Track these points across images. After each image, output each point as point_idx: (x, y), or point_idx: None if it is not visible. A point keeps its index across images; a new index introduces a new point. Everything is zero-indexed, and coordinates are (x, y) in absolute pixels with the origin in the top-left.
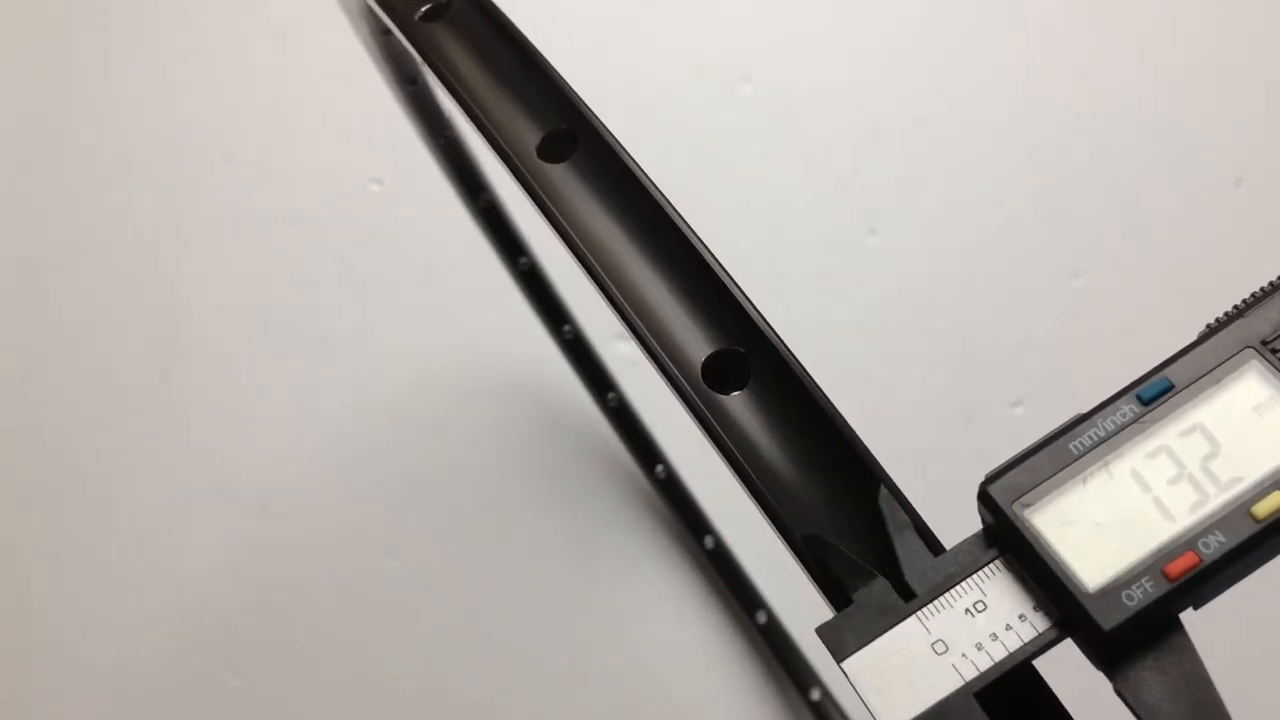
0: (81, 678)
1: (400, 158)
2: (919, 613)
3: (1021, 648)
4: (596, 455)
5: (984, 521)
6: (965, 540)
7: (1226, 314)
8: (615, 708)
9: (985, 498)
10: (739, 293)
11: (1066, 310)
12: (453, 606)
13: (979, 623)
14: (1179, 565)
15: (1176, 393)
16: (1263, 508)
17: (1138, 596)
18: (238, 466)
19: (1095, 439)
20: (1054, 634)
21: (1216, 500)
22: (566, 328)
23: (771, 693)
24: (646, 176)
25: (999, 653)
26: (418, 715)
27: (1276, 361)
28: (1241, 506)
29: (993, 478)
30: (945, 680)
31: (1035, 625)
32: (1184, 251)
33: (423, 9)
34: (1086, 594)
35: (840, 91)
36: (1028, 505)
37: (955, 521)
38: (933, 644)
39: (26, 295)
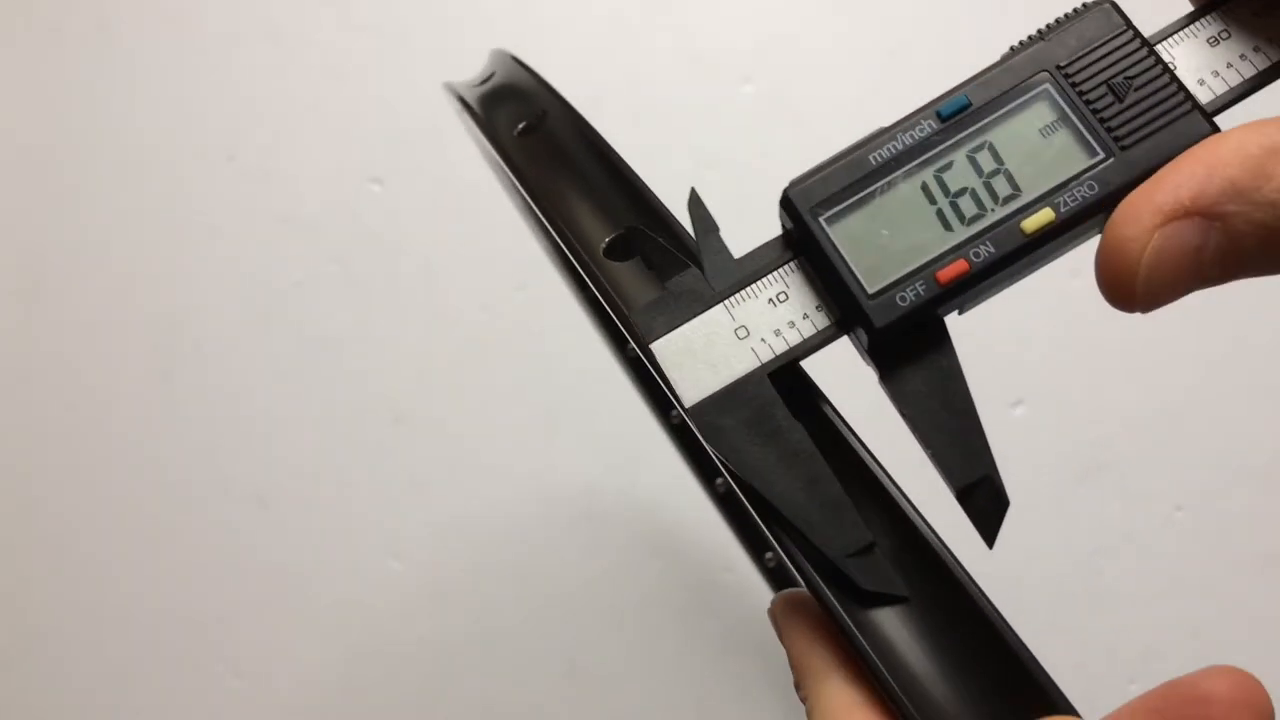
0: (81, 677)
1: (400, 158)
2: (726, 301)
3: (809, 338)
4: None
5: (783, 226)
6: (765, 244)
7: (1030, 37)
8: (613, 710)
9: (786, 203)
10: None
11: (1066, 310)
12: (453, 607)
13: (779, 312)
14: (950, 271)
15: (972, 111)
16: (1031, 223)
17: (909, 298)
18: (238, 466)
19: (893, 152)
20: (833, 330)
21: (993, 215)
22: (769, 555)
23: None
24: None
25: (794, 338)
26: (418, 715)
27: (1068, 86)
28: (1014, 221)
29: (795, 183)
30: (743, 361)
31: (817, 322)
32: None
33: (520, 126)
34: (865, 294)
35: (840, 91)
36: (823, 212)
37: (957, 521)
38: (735, 329)
39: (26, 295)
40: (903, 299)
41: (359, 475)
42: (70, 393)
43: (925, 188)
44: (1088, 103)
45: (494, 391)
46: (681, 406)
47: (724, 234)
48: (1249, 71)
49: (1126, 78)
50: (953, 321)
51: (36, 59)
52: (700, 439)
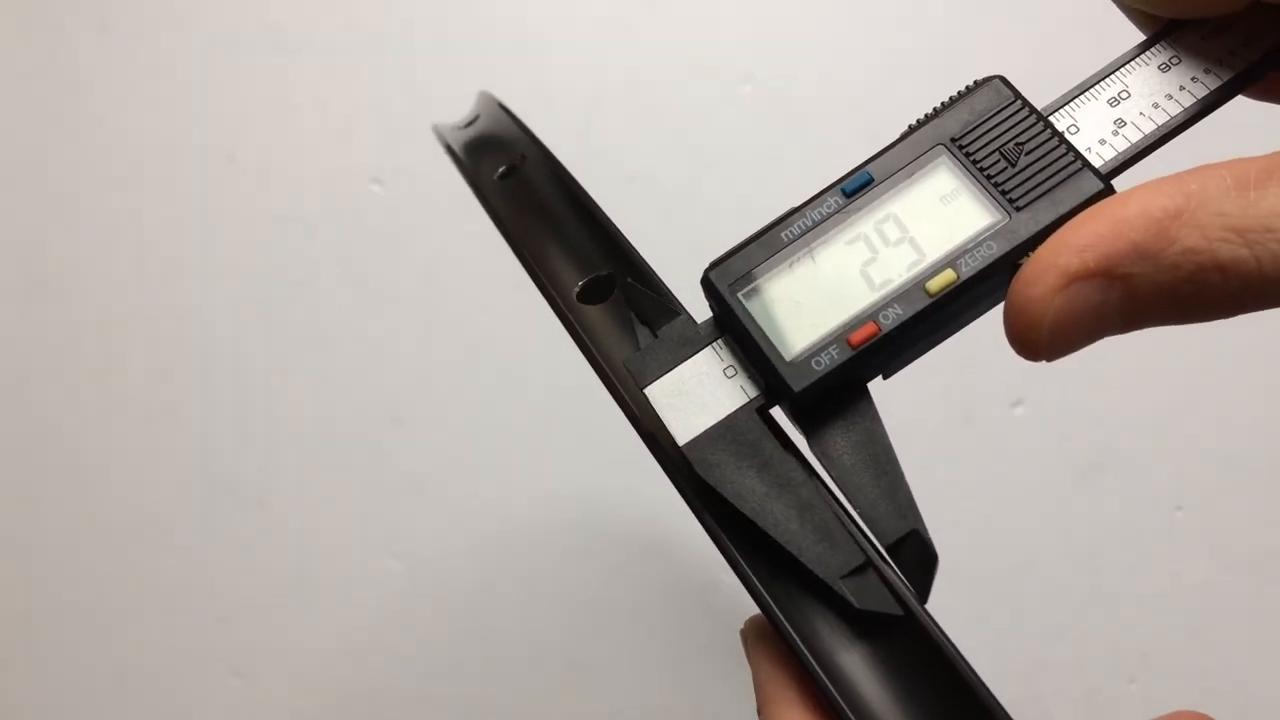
0: (81, 677)
1: (400, 158)
2: (713, 344)
3: (747, 404)
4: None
5: (710, 306)
6: (704, 322)
7: (926, 115)
8: (615, 709)
9: (706, 283)
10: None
11: None
12: (453, 607)
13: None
14: (861, 334)
15: (875, 185)
16: (935, 284)
17: (825, 362)
18: (238, 466)
19: (804, 228)
20: (761, 400)
21: (899, 279)
22: None
23: None
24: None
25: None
26: (418, 714)
27: (962, 157)
28: (918, 283)
29: (714, 265)
30: (733, 398)
31: (747, 391)
32: None
33: (500, 169)
34: (783, 361)
35: (840, 91)
36: (740, 288)
37: (959, 523)
38: (724, 369)
39: (27, 296)
40: (818, 363)
41: (359, 475)
42: (70, 392)
43: (835, 259)
44: (982, 169)
45: (494, 392)
46: (677, 445)
47: (724, 234)
48: (1200, 92)
49: (1017, 144)
50: (949, 341)
51: (36, 59)
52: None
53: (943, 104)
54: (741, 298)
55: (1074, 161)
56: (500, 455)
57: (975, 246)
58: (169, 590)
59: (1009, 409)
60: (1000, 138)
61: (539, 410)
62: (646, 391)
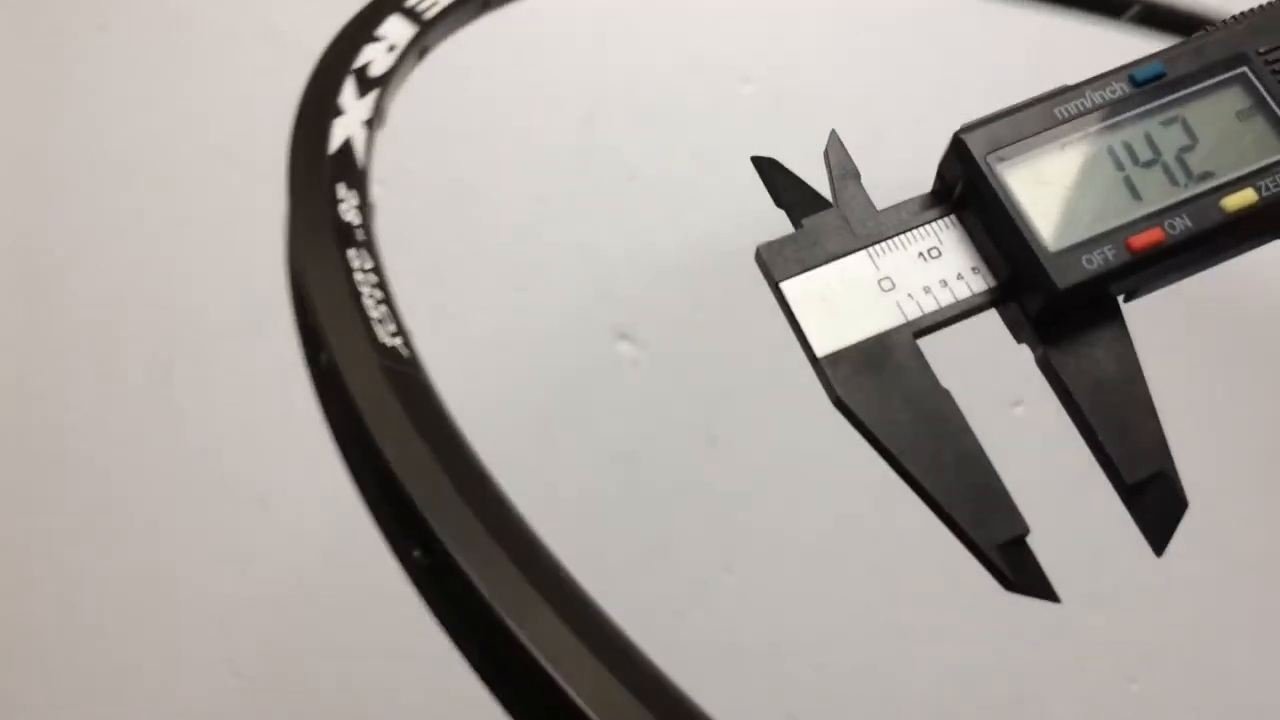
0: (81, 677)
1: (400, 158)
2: (870, 248)
3: (969, 298)
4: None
5: (943, 177)
6: (909, 200)
7: (1224, 21)
8: None
9: (959, 146)
10: None
11: None
12: None
13: (931, 268)
14: (1144, 239)
15: (1166, 81)
16: (1232, 201)
17: (1097, 262)
18: (238, 466)
19: (1080, 109)
20: (992, 295)
21: (1188, 189)
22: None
23: None
24: None
25: (945, 298)
26: (418, 714)
27: (1267, 73)
28: (1213, 197)
29: (970, 127)
30: (888, 316)
31: (984, 280)
32: None
33: None
34: (1047, 252)
35: (840, 91)
36: (1003, 159)
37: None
38: (880, 280)
39: (27, 295)
40: (1089, 261)
41: None
42: (70, 393)
43: (1112, 151)
44: None
45: (494, 392)
46: (812, 356)
47: (725, 234)
48: None
49: None
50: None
51: (36, 59)
52: (830, 396)
53: (1242, 14)
54: (1000, 170)
55: None
56: (500, 455)
57: (1276, 172)
58: (169, 590)
59: (1009, 409)
60: None
61: (539, 410)
62: (783, 286)
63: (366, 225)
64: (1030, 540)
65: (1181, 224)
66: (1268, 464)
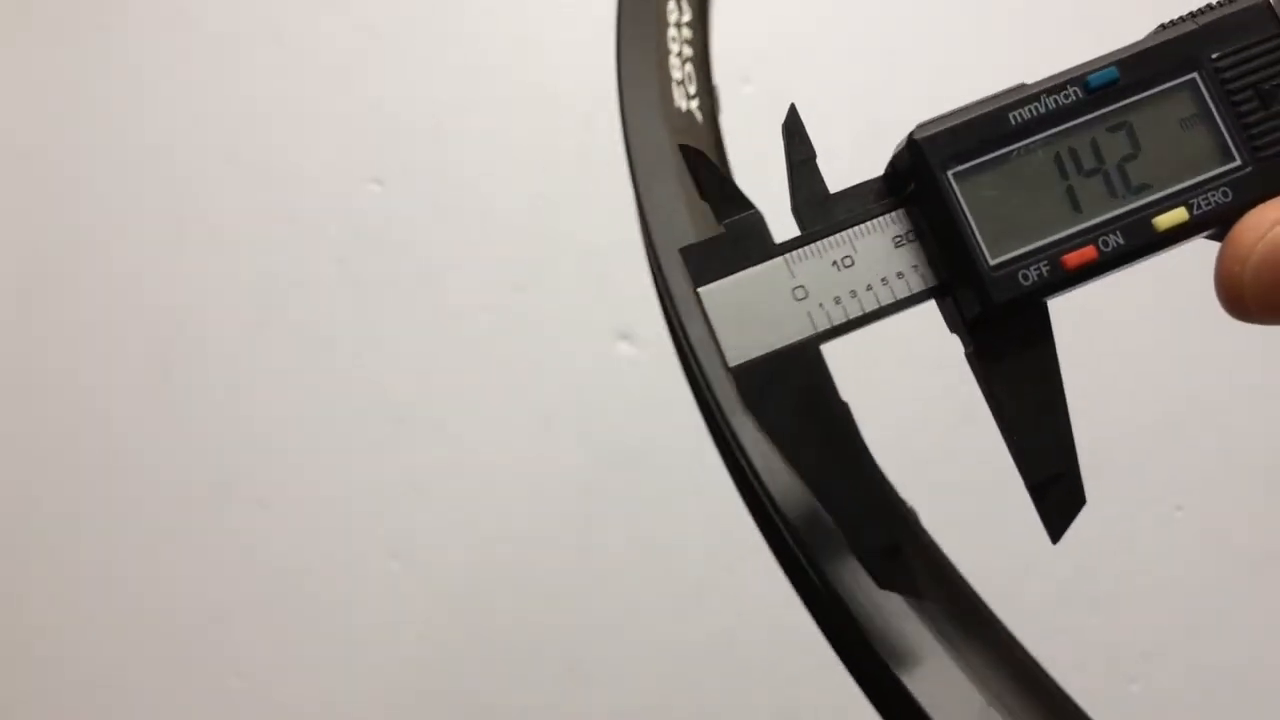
0: (81, 677)
1: (400, 158)
2: (787, 255)
3: (890, 304)
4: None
5: (893, 169)
6: (863, 184)
7: (1181, 18)
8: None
9: (914, 149)
10: None
11: (1066, 310)
12: (453, 607)
13: (843, 277)
14: (1078, 257)
15: (1118, 87)
16: (1164, 221)
17: (1033, 277)
18: (238, 466)
19: (1034, 114)
20: (926, 295)
21: (1124, 203)
22: None
23: None
24: None
25: (854, 310)
26: (418, 714)
27: (1215, 82)
28: (1146, 216)
29: (925, 128)
30: (798, 326)
31: (907, 285)
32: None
33: None
34: (987, 264)
35: (840, 91)
36: (955, 167)
37: (959, 522)
38: (794, 288)
39: (27, 295)
40: (1025, 277)
41: (359, 475)
42: (70, 392)
43: (1059, 159)
44: (1233, 104)
45: (494, 391)
46: (724, 363)
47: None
48: None
49: (1276, 85)
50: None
51: (36, 59)
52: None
53: (1200, 10)
54: (952, 177)
55: None
56: (500, 455)
57: (1210, 189)
58: (169, 590)
59: None
60: (1258, 72)
61: (539, 410)
62: (701, 293)
63: None
64: (1030, 541)
65: (1115, 241)
66: (1268, 464)
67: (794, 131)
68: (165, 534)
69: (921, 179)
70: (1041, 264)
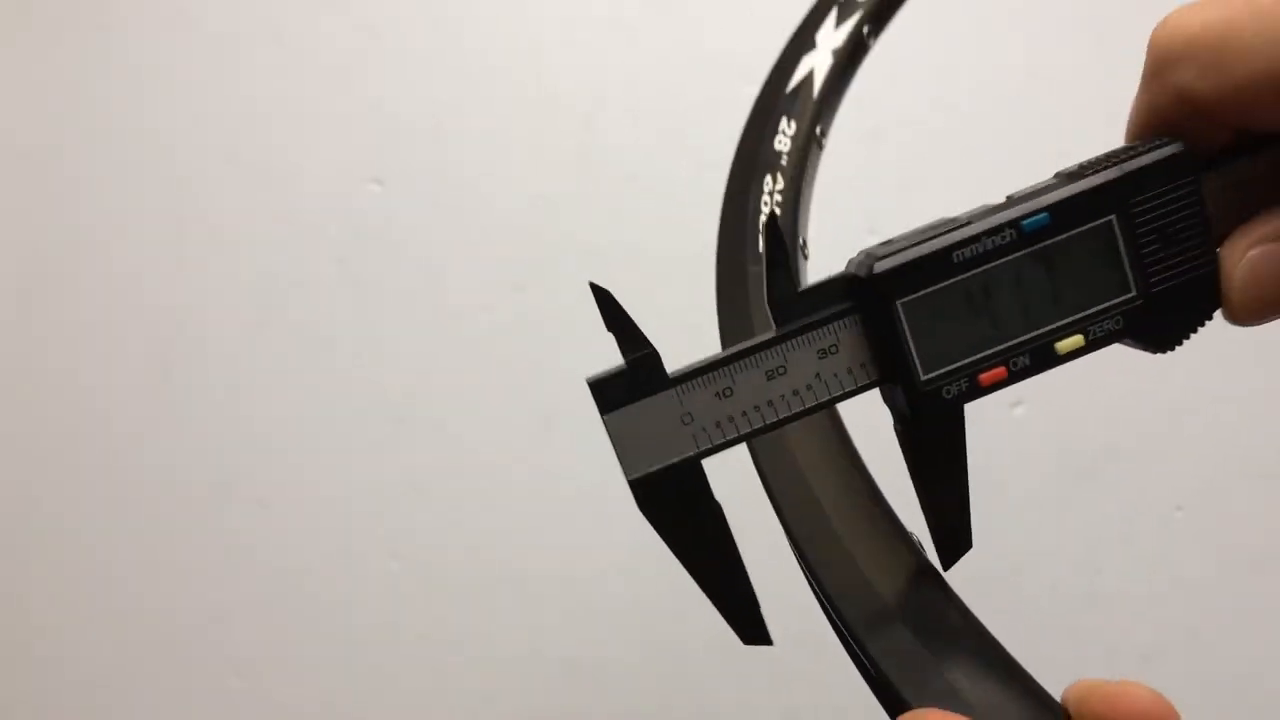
0: (81, 677)
1: (400, 158)
2: (676, 388)
3: (786, 416)
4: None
5: (849, 280)
6: (825, 282)
7: (1102, 159)
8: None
9: (879, 283)
10: None
11: None
12: (452, 607)
13: (723, 405)
14: (991, 376)
15: (1047, 228)
16: (1064, 345)
17: (954, 391)
18: (238, 466)
19: (974, 253)
20: (866, 386)
21: (1035, 328)
22: None
23: None
24: None
25: (730, 432)
26: (418, 714)
27: (1130, 226)
28: (1050, 340)
29: (881, 261)
30: (683, 446)
31: (829, 388)
32: None
33: None
34: (919, 379)
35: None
36: (902, 297)
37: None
38: (681, 416)
39: (27, 295)
40: (948, 391)
41: (359, 475)
42: (70, 392)
43: (987, 289)
44: (1139, 243)
45: (494, 391)
46: (626, 478)
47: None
48: None
49: (1175, 228)
50: None
51: (36, 59)
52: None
53: (1120, 153)
54: (901, 307)
55: (1209, 261)
56: (500, 455)
57: (1105, 317)
58: (169, 590)
59: (1009, 409)
60: (1165, 216)
61: (538, 410)
62: (605, 419)
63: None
64: (1030, 540)
65: (1022, 362)
66: (1268, 464)
67: (773, 234)
68: (165, 534)
69: (874, 302)
70: (962, 380)
